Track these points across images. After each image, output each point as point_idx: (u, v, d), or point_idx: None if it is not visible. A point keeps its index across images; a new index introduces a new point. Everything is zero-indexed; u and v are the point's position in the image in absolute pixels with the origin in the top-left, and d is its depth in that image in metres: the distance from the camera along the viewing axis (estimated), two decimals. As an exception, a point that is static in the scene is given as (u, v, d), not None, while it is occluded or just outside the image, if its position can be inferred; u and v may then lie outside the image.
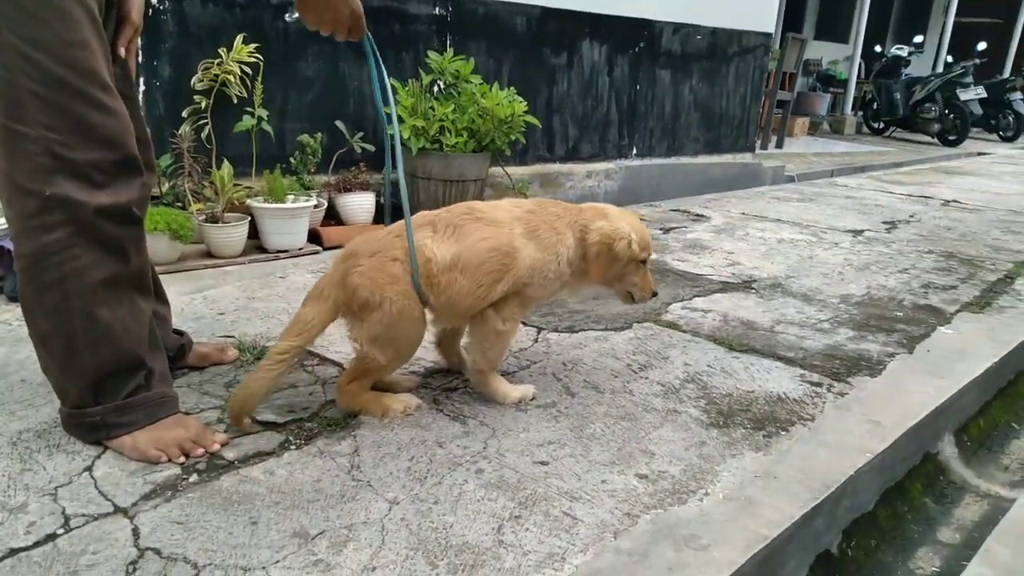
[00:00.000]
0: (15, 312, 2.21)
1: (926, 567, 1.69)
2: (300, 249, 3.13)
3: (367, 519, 1.37)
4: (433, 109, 3.62)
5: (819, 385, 2.10)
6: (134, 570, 1.20)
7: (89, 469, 1.47)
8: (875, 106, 12.36)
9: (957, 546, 1.77)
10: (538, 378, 2.02)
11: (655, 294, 1.95)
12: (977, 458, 2.19)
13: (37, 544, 1.25)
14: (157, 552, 1.25)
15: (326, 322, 1.68)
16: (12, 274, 2.31)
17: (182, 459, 1.51)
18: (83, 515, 1.33)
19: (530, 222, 1.77)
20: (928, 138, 12.00)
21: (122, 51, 1.55)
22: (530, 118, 3.80)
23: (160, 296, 1.86)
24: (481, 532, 1.35)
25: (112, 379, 1.50)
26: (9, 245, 2.27)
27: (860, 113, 13.10)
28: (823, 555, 1.61)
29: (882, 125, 12.52)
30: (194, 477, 1.47)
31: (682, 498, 1.50)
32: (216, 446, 1.55)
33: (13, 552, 1.22)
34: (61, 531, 1.28)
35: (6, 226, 2.38)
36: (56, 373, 1.51)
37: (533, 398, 1.88)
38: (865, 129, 12.86)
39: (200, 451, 1.53)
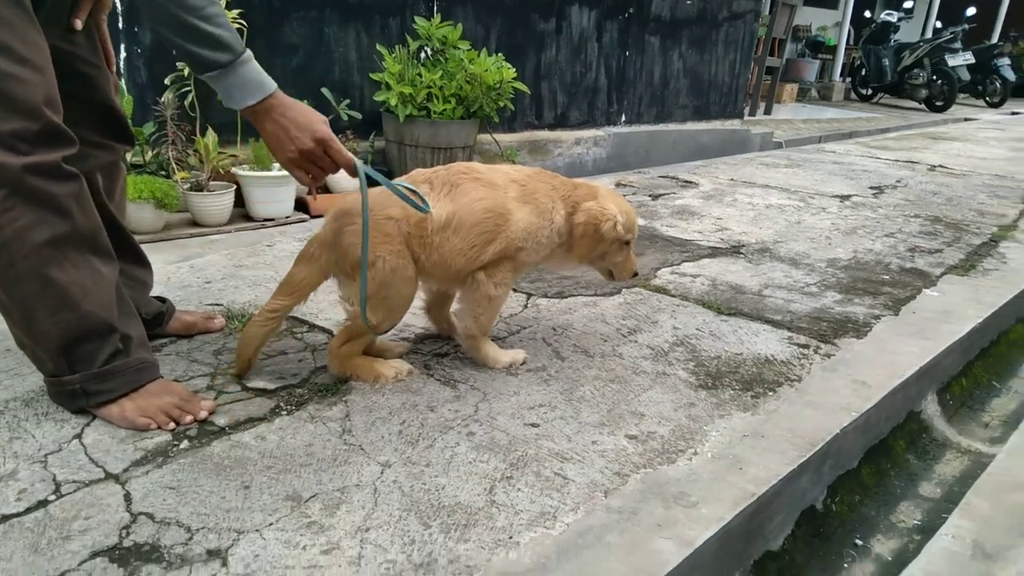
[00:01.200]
0: None
1: (908, 520, 1.73)
2: (287, 217, 3.10)
3: (359, 482, 1.38)
4: (420, 76, 3.58)
5: (806, 347, 2.12)
6: (127, 534, 1.21)
7: (79, 436, 1.47)
8: (863, 72, 12.34)
9: (938, 500, 1.81)
10: (528, 343, 2.03)
11: (636, 275, 1.96)
12: (959, 416, 2.23)
13: (29, 510, 1.25)
14: (150, 516, 1.25)
15: (317, 282, 1.68)
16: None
17: (171, 426, 1.51)
18: (74, 481, 1.33)
19: (526, 186, 1.77)
20: (916, 104, 12.00)
21: (77, 23, 1.51)
22: (519, 84, 3.76)
23: (140, 260, 1.84)
24: (473, 493, 1.37)
25: (82, 345, 1.47)
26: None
27: (848, 79, 13.07)
28: (808, 510, 1.64)
29: (870, 91, 12.52)
30: (185, 443, 1.47)
31: (671, 458, 1.52)
32: (204, 413, 1.55)
33: (5, 518, 1.22)
34: (52, 497, 1.28)
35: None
36: (29, 344, 1.49)
37: (524, 362, 1.88)
38: (853, 95, 12.85)
39: (188, 418, 1.53)
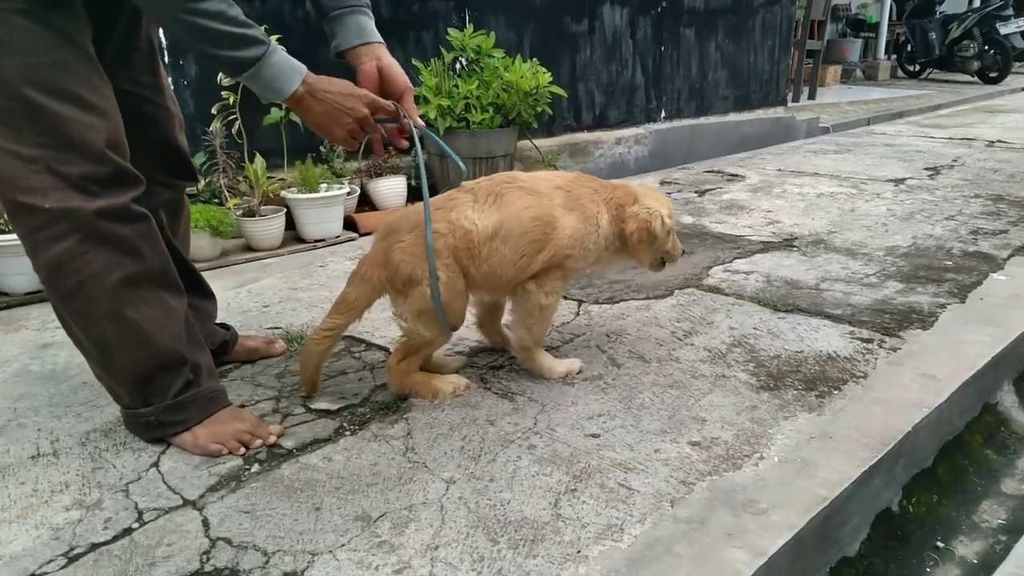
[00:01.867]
0: (71, 317, 2.28)
1: (991, 520, 1.67)
2: (337, 237, 3.16)
3: (426, 499, 1.40)
4: (457, 87, 3.60)
5: (870, 341, 2.06)
6: (208, 559, 1.25)
7: (156, 464, 1.52)
8: (909, 48, 11.94)
9: (1023, 497, 1.74)
10: (582, 351, 2.03)
11: (684, 252, 2.02)
12: (1038, 406, 2.14)
13: (115, 538, 1.30)
14: (228, 541, 1.29)
15: (370, 301, 1.71)
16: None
17: (242, 451, 1.56)
18: (155, 509, 1.38)
19: (571, 192, 1.77)
20: (967, 77, 11.58)
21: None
22: (555, 88, 3.76)
23: (204, 291, 1.90)
24: (538, 507, 1.37)
25: (156, 378, 1.53)
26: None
27: (894, 57, 12.68)
28: (883, 513, 1.59)
29: (918, 67, 12.11)
30: (256, 467, 1.51)
31: (737, 463, 1.50)
32: (273, 438, 1.60)
33: (94, 547, 1.28)
34: (136, 525, 1.33)
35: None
36: (105, 378, 1.57)
37: (580, 371, 1.88)
38: (900, 73, 12.45)
39: (258, 443, 1.58)
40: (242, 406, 1.73)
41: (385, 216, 1.73)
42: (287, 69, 1.47)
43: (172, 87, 1.80)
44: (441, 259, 1.65)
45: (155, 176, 1.64)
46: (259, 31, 1.44)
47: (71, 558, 1.25)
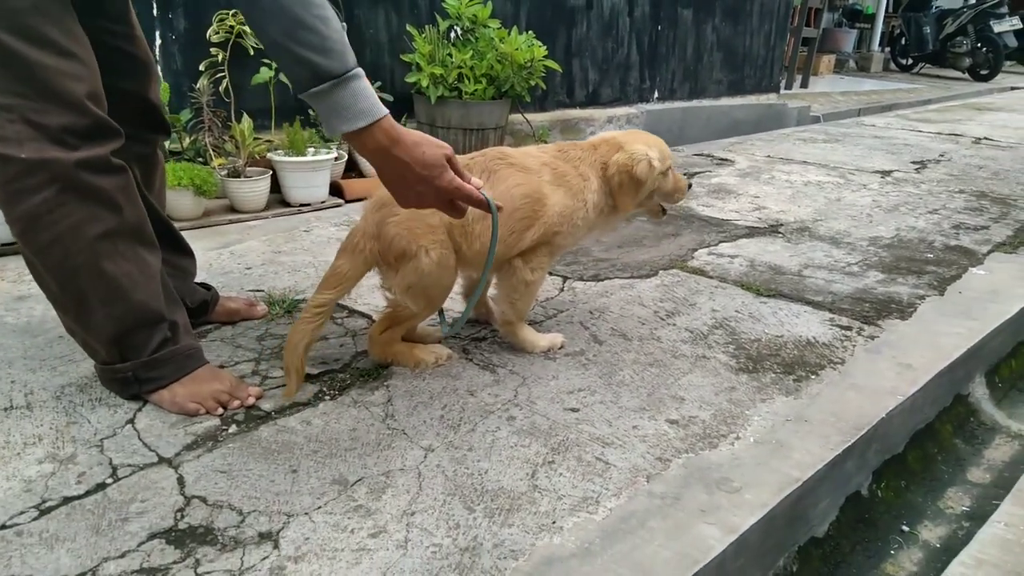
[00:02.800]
0: (48, 270, 2.24)
1: (956, 506, 1.71)
2: (322, 202, 3.13)
3: (403, 466, 1.40)
4: (451, 56, 3.56)
5: (849, 329, 2.08)
6: (182, 516, 1.24)
7: (131, 421, 1.51)
8: (903, 41, 11.97)
9: (987, 486, 1.78)
10: (565, 327, 2.03)
11: (690, 186, 2.02)
12: (1008, 399, 2.18)
13: (88, 493, 1.29)
14: (203, 500, 1.29)
15: (361, 274, 1.68)
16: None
17: (220, 411, 1.54)
18: (129, 465, 1.37)
19: (557, 168, 1.76)
20: (959, 73, 11.63)
21: None
22: (550, 63, 3.72)
23: (183, 249, 1.87)
24: (516, 477, 1.38)
25: (134, 334, 1.51)
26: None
27: (888, 49, 12.70)
28: (853, 496, 1.62)
29: (910, 61, 12.15)
30: (233, 428, 1.50)
31: (713, 442, 1.51)
32: (251, 399, 1.59)
33: (67, 500, 1.27)
34: (110, 480, 1.33)
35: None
36: (80, 333, 1.53)
37: (561, 346, 1.89)
38: (893, 66, 12.49)
39: (236, 403, 1.57)
40: (221, 367, 1.72)
41: (372, 184, 1.71)
42: (363, 102, 1.28)
43: (160, 40, 1.75)
44: (437, 235, 1.63)
45: (128, 130, 1.57)
46: (348, 48, 1.28)
47: (43, 510, 1.24)
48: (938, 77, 11.68)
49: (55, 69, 1.33)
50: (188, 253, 1.89)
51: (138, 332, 1.52)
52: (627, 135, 1.88)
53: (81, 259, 1.42)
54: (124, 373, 1.54)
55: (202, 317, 1.90)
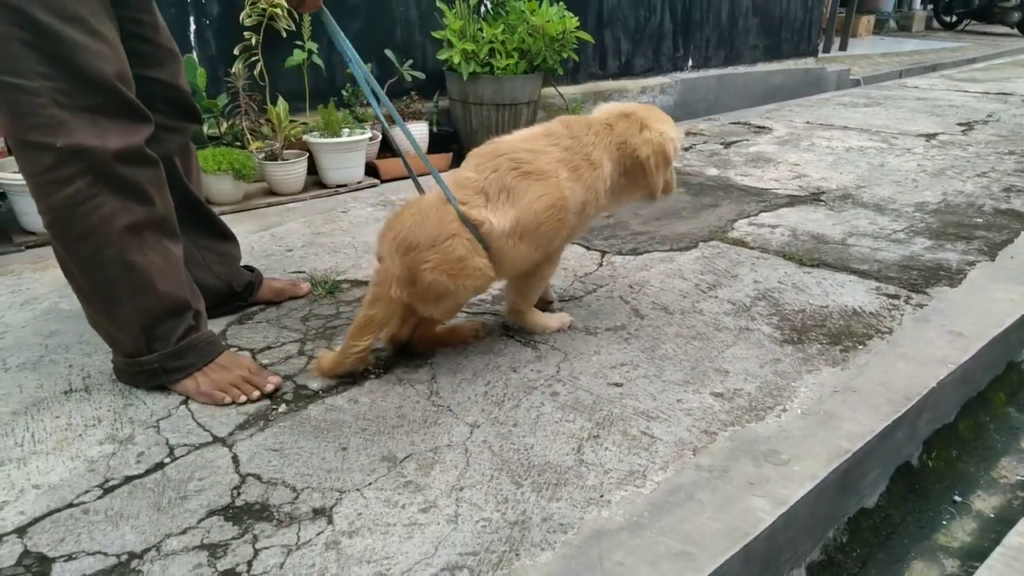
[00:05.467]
0: (98, 257, 2.30)
1: (1010, 476, 1.67)
2: (359, 182, 3.15)
3: (450, 442, 1.42)
4: (482, 31, 3.53)
5: (896, 297, 2.04)
6: (238, 494, 1.28)
7: (185, 403, 1.55)
8: (947, -2, 11.52)
9: (1043, 455, 1.74)
10: (605, 301, 2.02)
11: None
12: (1064, 366, 2.12)
13: (148, 472, 1.34)
14: (257, 477, 1.32)
15: (396, 316, 1.61)
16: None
17: (242, 399, 1.54)
18: (185, 445, 1.41)
19: (571, 162, 1.66)
20: (1007, 29, 11.17)
21: None
22: (582, 34, 3.67)
23: (226, 235, 1.90)
24: (561, 452, 1.39)
25: (160, 324, 1.52)
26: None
27: (930, 7, 12.24)
28: (903, 467, 1.60)
29: (955, 18, 11.70)
30: (283, 407, 1.54)
31: (759, 415, 1.50)
32: (270, 387, 1.56)
33: (128, 479, 1.31)
34: (168, 460, 1.37)
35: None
36: (105, 325, 1.54)
37: (570, 325, 1.86)
38: (936, 24, 12.04)
39: (256, 393, 1.55)
40: (268, 348, 1.76)
41: (396, 217, 1.63)
42: None
43: (195, 26, 1.76)
44: (471, 262, 1.56)
45: (163, 121, 1.59)
46: None
47: (107, 489, 1.29)
48: (984, 34, 11.23)
49: (85, 47, 1.32)
50: (231, 238, 1.92)
51: (165, 321, 1.53)
52: (641, 111, 1.79)
53: (111, 251, 1.42)
54: (151, 364, 1.54)
55: (249, 298, 1.93)
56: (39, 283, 2.12)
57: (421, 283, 1.54)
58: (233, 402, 1.54)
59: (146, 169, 1.45)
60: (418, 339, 1.74)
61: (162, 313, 1.52)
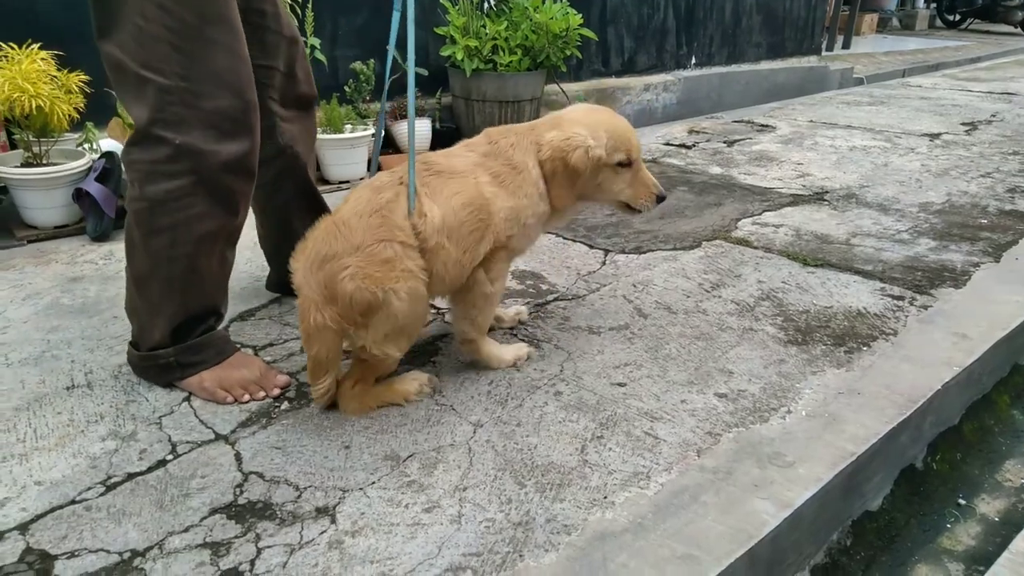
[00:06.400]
0: (100, 251, 2.30)
1: (1015, 479, 1.67)
2: (361, 179, 3.14)
3: (453, 441, 1.41)
4: (485, 27, 3.51)
5: (901, 298, 2.03)
6: (241, 492, 1.28)
7: (187, 399, 1.54)
8: (951, -4, 11.49)
9: (1047, 458, 1.73)
10: (608, 300, 2.02)
11: (661, 199, 1.64)
12: (1068, 369, 2.12)
13: (151, 469, 1.33)
14: (260, 475, 1.32)
15: (340, 345, 1.45)
16: (92, 216, 2.39)
17: (246, 398, 1.54)
18: (188, 442, 1.41)
19: (490, 167, 1.52)
20: (1010, 28, 11.15)
21: None
22: (586, 31, 3.66)
23: None
24: (565, 452, 1.38)
25: (191, 323, 1.55)
26: (89, 188, 2.35)
27: (933, 6, 12.21)
28: (907, 469, 1.59)
29: (958, 17, 11.67)
30: (285, 405, 1.53)
31: (764, 416, 1.49)
32: (276, 390, 1.56)
33: (131, 476, 1.31)
34: (170, 457, 1.36)
35: (81, 168, 2.44)
36: (142, 314, 1.54)
37: (528, 357, 1.71)
38: (939, 23, 12.02)
39: (261, 394, 1.54)
40: (270, 344, 1.75)
41: (303, 241, 1.46)
42: None
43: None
44: (400, 265, 1.39)
45: (281, 112, 1.69)
46: None
47: (109, 486, 1.28)
48: (988, 33, 11.20)
49: (225, 49, 1.40)
50: None
51: (195, 322, 1.55)
52: (572, 111, 1.62)
53: (183, 250, 1.47)
54: (167, 359, 1.54)
55: None
56: (41, 278, 2.12)
57: (342, 297, 1.36)
58: (236, 401, 1.53)
59: (245, 182, 1.51)
60: (357, 396, 1.51)
61: (198, 314, 1.56)
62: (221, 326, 1.66)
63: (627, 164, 1.59)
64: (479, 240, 1.49)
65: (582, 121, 1.56)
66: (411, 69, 1.42)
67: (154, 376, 1.59)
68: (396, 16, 1.41)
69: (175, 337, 1.54)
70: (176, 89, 1.37)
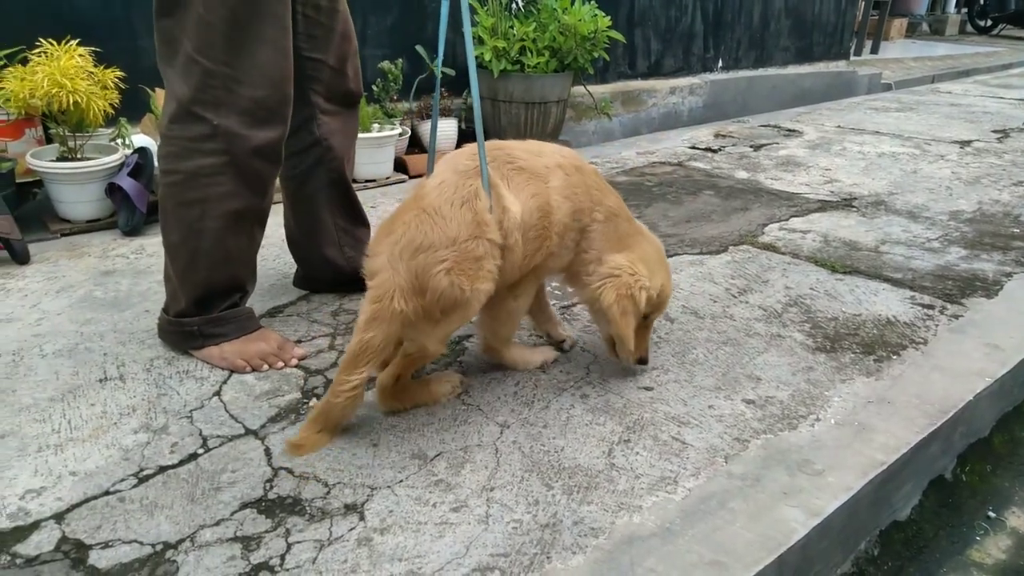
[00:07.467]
0: (131, 246, 2.33)
1: (1047, 494, 1.64)
2: (387, 178, 3.16)
3: (480, 442, 1.42)
4: (513, 28, 3.52)
5: (931, 307, 2.01)
6: (271, 487, 1.29)
7: (218, 394, 1.56)
8: (982, 1, 11.31)
9: (1081, 473, 1.70)
10: (635, 303, 2.01)
11: (643, 361, 1.62)
12: (1102, 382, 2.08)
13: (182, 462, 1.35)
14: (289, 471, 1.33)
15: (395, 341, 1.40)
16: (124, 210, 2.43)
17: (264, 367, 1.63)
18: (218, 436, 1.43)
19: (570, 177, 1.48)
20: (1043, 35, 10.95)
21: None
22: (614, 33, 3.65)
23: (363, 221, 2.01)
24: (592, 455, 1.38)
25: (215, 296, 1.65)
26: (122, 183, 2.38)
27: (964, 11, 12.03)
28: (937, 480, 1.58)
29: (990, 22, 11.50)
30: (314, 401, 1.54)
31: (792, 423, 1.48)
32: (295, 360, 1.67)
33: (162, 469, 1.33)
34: (201, 451, 1.38)
35: (114, 163, 2.48)
36: (174, 281, 1.65)
37: (555, 360, 1.71)
38: (970, 28, 11.84)
39: (280, 364, 1.65)
40: (299, 342, 1.77)
41: (389, 223, 1.40)
42: None
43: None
44: (487, 265, 1.36)
45: (322, 104, 1.77)
46: None
47: (141, 478, 1.30)
48: (1020, 39, 11.02)
49: (271, 43, 1.48)
50: (366, 225, 2.02)
51: (217, 295, 1.64)
52: (640, 240, 1.56)
53: (212, 224, 1.56)
54: (191, 327, 1.64)
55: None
56: (74, 271, 2.15)
57: (433, 290, 1.32)
58: (254, 370, 1.62)
59: (273, 166, 1.60)
60: (395, 393, 1.49)
61: (222, 289, 1.64)
62: (247, 305, 1.73)
63: (648, 319, 1.59)
64: (538, 249, 1.45)
65: (646, 261, 1.53)
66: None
67: (178, 341, 1.69)
68: (444, 13, 1.41)
69: (199, 307, 1.64)
70: (220, 74, 1.46)
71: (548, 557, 1.14)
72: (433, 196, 1.38)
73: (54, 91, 2.22)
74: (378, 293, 1.34)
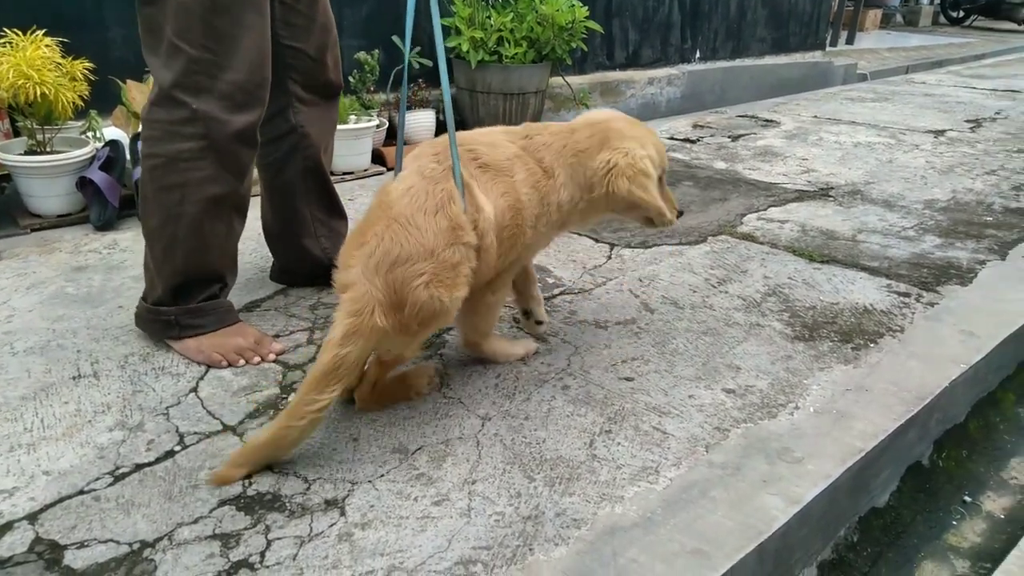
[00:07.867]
0: (104, 241, 2.29)
1: (1020, 477, 1.67)
2: (365, 170, 3.13)
3: (461, 435, 1.41)
4: (491, 19, 3.50)
5: (907, 295, 2.03)
6: (250, 483, 1.27)
7: (194, 390, 1.54)
8: (955, -7, 11.47)
9: (1053, 456, 1.73)
10: (615, 295, 2.01)
11: (681, 213, 1.64)
12: (1073, 367, 2.12)
13: (159, 460, 1.33)
14: (269, 467, 1.31)
15: (368, 356, 1.37)
16: (96, 205, 2.38)
17: (241, 362, 1.62)
18: (195, 433, 1.40)
19: (526, 163, 1.44)
20: (1014, 25, 11.12)
21: None
22: (592, 23, 3.64)
23: (339, 212, 1.99)
24: (573, 446, 1.38)
25: (192, 286, 1.63)
26: (93, 176, 2.34)
27: (937, 2, 12.17)
28: (914, 466, 1.60)
29: (962, 14, 11.65)
30: (292, 396, 1.53)
31: (772, 412, 1.49)
32: (272, 356, 1.65)
33: (139, 467, 1.30)
34: (178, 448, 1.36)
35: (85, 156, 2.43)
36: (152, 268, 1.63)
37: (536, 351, 1.70)
38: (943, 19, 11.99)
39: (256, 359, 1.63)
40: (276, 336, 1.75)
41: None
42: None
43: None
44: (463, 270, 1.34)
45: (299, 93, 1.76)
46: None
47: (117, 476, 1.28)
48: (992, 30, 11.18)
49: (250, 28, 1.49)
50: (343, 217, 2.00)
51: (197, 285, 1.62)
52: (617, 121, 1.53)
53: (191, 209, 1.55)
54: (168, 315, 1.63)
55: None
56: (45, 267, 2.11)
57: (412, 304, 1.28)
58: (230, 365, 1.61)
59: (250, 150, 1.59)
60: (375, 397, 1.48)
61: (199, 277, 1.63)
62: (227, 298, 1.71)
63: (660, 179, 1.56)
64: (512, 246, 1.44)
65: (630, 135, 1.50)
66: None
67: (155, 330, 1.67)
68: (411, 4, 1.39)
69: (177, 296, 1.62)
70: (202, 60, 1.47)
71: (531, 549, 1.14)
72: (404, 204, 1.33)
73: (20, 82, 2.16)
74: (356, 307, 1.28)
